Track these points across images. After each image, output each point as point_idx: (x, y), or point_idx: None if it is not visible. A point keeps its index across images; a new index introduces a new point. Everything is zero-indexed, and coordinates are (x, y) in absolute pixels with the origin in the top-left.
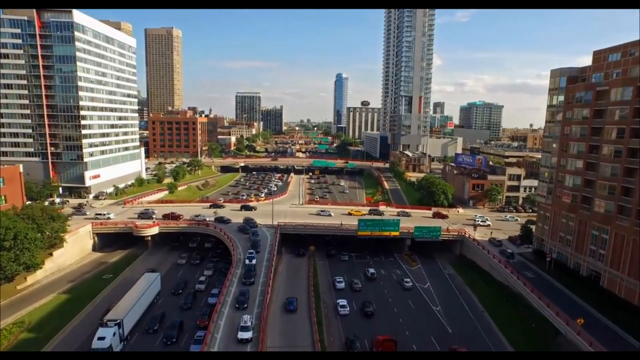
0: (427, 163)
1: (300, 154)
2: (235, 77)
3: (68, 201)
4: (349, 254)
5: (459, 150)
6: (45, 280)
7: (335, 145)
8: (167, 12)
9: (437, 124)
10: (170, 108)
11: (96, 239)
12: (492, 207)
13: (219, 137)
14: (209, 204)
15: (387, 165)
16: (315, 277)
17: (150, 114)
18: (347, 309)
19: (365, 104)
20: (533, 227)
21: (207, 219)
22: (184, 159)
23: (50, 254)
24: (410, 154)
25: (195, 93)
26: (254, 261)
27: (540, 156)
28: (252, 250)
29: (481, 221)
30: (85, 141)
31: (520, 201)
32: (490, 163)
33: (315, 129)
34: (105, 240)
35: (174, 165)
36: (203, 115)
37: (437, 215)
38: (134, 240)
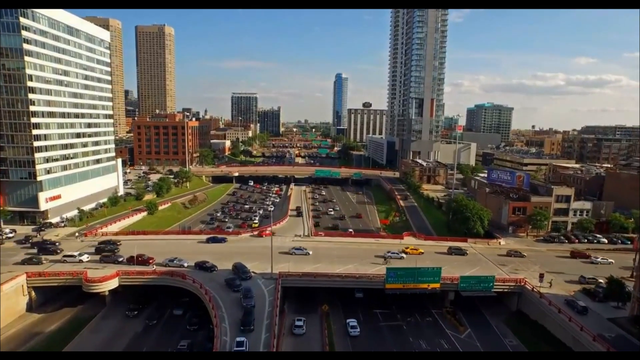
0: (444, 174)
1: (299, 159)
2: (231, 77)
3: (15, 231)
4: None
5: (473, 157)
6: None
7: (336, 149)
8: (162, 10)
9: (442, 126)
10: (158, 111)
11: (33, 293)
12: (536, 235)
13: (212, 141)
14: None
15: (397, 174)
16: None
17: (136, 117)
18: None
19: (367, 105)
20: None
21: (186, 265)
22: (172, 167)
23: None
24: (424, 163)
25: (190, 94)
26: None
27: (571, 165)
28: (242, 338)
29: None
30: (39, 155)
31: (569, 227)
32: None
33: (314, 130)
34: (47, 295)
35: (160, 175)
36: (194, 119)
37: (577, 255)
38: (87, 293)
